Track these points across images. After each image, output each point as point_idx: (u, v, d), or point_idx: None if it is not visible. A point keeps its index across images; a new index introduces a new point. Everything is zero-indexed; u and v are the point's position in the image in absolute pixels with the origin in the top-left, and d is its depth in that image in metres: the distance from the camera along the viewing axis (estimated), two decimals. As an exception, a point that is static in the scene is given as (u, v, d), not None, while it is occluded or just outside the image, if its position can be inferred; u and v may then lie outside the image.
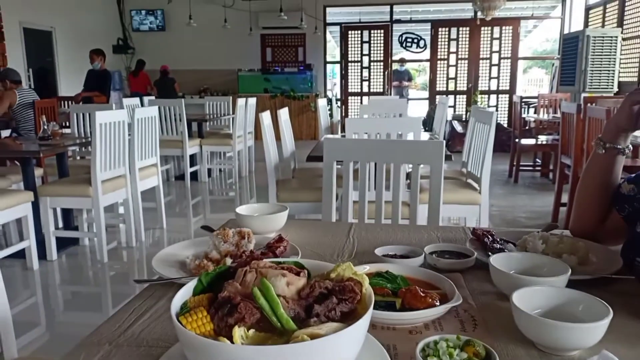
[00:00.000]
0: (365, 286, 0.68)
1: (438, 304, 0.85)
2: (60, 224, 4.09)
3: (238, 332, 0.58)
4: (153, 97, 7.19)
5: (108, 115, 3.42)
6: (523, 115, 7.28)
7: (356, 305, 0.66)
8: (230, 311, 0.61)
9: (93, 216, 3.59)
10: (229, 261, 1.06)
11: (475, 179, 3.16)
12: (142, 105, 6.01)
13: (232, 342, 0.57)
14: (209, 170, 6.70)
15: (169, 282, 0.98)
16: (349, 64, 10.68)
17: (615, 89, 6.87)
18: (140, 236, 3.97)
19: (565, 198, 4.34)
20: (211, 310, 0.63)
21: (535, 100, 8.48)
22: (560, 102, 6.47)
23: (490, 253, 1.04)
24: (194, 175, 6.32)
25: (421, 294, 0.86)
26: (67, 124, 5.37)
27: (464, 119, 9.37)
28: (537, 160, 6.75)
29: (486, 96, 10.29)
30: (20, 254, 3.37)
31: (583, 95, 6.79)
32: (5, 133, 5.22)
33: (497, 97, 10.30)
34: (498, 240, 1.16)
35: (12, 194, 3.22)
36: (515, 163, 6.21)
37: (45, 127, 3.83)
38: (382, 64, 10.58)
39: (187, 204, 5.52)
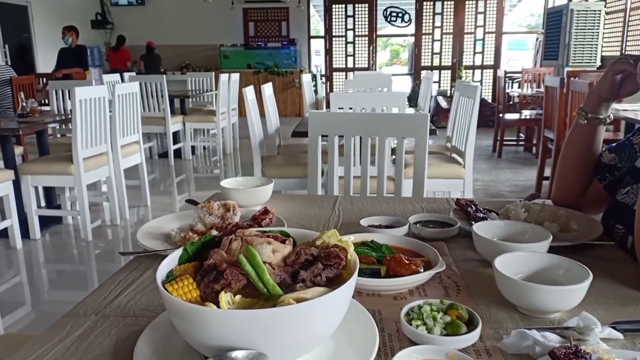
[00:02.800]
0: (350, 252, 0.69)
1: (422, 270, 0.86)
2: (43, 203, 4.03)
3: (225, 297, 0.58)
4: (134, 73, 7.05)
5: (88, 92, 3.35)
6: (507, 90, 7.31)
7: (341, 270, 0.67)
8: (217, 278, 0.61)
9: (76, 194, 3.55)
10: (214, 233, 1.06)
11: (459, 153, 3.18)
12: (123, 81, 5.88)
13: (218, 307, 0.57)
14: (193, 148, 6.63)
15: (154, 254, 0.98)
16: (334, 38, 10.55)
17: (599, 63, 6.91)
18: (125, 214, 3.94)
19: (548, 172, 4.40)
20: (197, 278, 0.63)
21: (519, 75, 8.50)
22: (543, 76, 6.50)
23: (473, 222, 1.06)
24: (178, 153, 6.26)
25: (405, 261, 0.87)
26: (47, 102, 5.26)
27: (448, 95, 9.38)
28: (521, 135, 6.81)
29: (471, 71, 10.28)
30: (3, 234, 3.33)
31: (566, 69, 6.83)
32: (-17, 111, 5.09)
33: (482, 72, 10.30)
34: (481, 209, 1.17)
35: (-8, 173, 3.16)
36: (499, 138, 6.25)
37: (24, 104, 3.75)
38: (366, 38, 10.48)
39: (172, 182, 5.48)
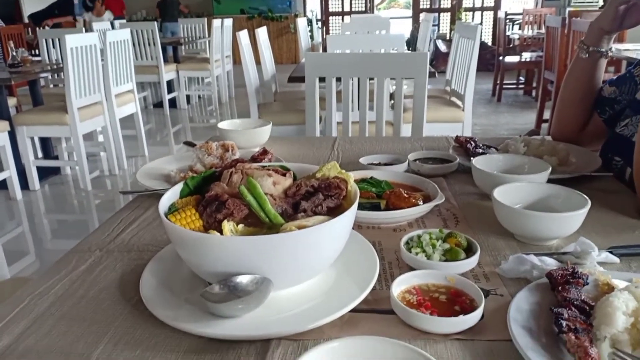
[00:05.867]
0: (351, 183, 0.69)
1: (421, 203, 0.87)
2: (40, 154, 4.02)
3: (227, 225, 0.59)
4: (124, 21, 6.84)
5: (79, 39, 3.27)
6: (507, 33, 7.14)
7: (342, 201, 0.67)
8: (219, 208, 0.62)
9: (72, 145, 3.53)
10: (214, 172, 1.06)
11: (458, 97, 3.14)
12: (113, 28, 5.72)
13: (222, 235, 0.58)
14: (188, 97, 6.53)
15: (155, 193, 0.98)
16: (329, -20, 10.21)
17: (600, 2, 6.74)
18: (123, 164, 3.94)
19: (547, 114, 4.37)
20: (199, 208, 0.64)
21: (520, 16, 8.28)
22: (545, 17, 6.34)
23: (472, 157, 1.06)
24: (173, 103, 6.17)
25: (405, 195, 0.88)
26: (37, 52, 5.13)
27: (448, 38, 9.18)
28: (521, 78, 6.72)
29: (470, 13, 10.02)
30: (2, 185, 3.33)
31: (568, 9, 6.66)
32: (-28, 62, 4.98)
33: (482, 15, 10.04)
34: (480, 145, 1.17)
35: (-14, 124, 3.13)
36: (498, 81, 6.17)
37: (14, 53, 3.66)
38: (363, -20, 10.14)
39: (168, 132, 5.44)
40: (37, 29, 6.33)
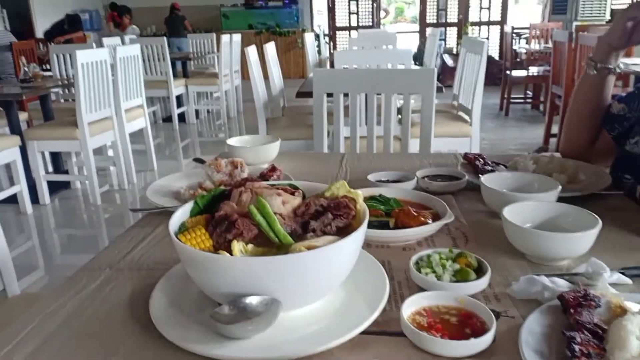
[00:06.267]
0: (359, 202, 0.69)
1: (430, 222, 0.87)
2: (50, 169, 4.06)
3: (237, 245, 0.59)
4: (134, 36, 6.94)
5: (89, 55, 3.32)
6: (514, 47, 7.16)
7: (351, 220, 0.68)
8: (228, 228, 0.62)
9: (82, 159, 3.56)
10: (223, 190, 1.06)
11: (466, 111, 3.14)
12: (123, 44, 5.80)
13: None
14: (197, 112, 6.58)
15: (164, 211, 0.99)
16: (336, -4, 10.31)
17: (608, 17, 6.75)
18: (132, 178, 3.96)
19: (555, 129, 4.36)
20: (209, 228, 0.64)
21: (527, 30, 8.30)
22: (552, 32, 6.35)
23: (481, 175, 1.05)
24: (182, 117, 6.22)
25: (414, 213, 0.88)
26: (48, 67, 5.21)
27: (454, 52, 9.21)
28: (528, 92, 6.72)
29: (477, 27, 10.06)
30: (13, 199, 3.36)
31: (575, 24, 6.67)
32: (-16, 78, 5.05)
33: (488, 29, 10.07)
34: (489, 162, 1.17)
35: (-2, 138, 3.17)
36: (506, 96, 6.17)
37: (26, 69, 3.72)
38: (370, -5, 10.23)
39: (177, 146, 5.48)
40: (49, 44, 6.44)
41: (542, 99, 6.25)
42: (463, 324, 0.59)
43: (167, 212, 0.98)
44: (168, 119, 6.21)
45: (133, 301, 0.70)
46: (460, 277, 0.69)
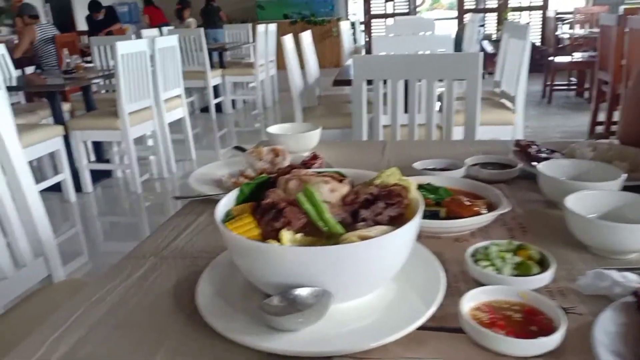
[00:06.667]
0: (412, 191, 0.65)
1: (485, 211, 0.82)
2: (93, 158, 4.16)
3: (286, 235, 0.56)
4: (172, 27, 7.01)
5: (129, 46, 3.36)
6: (557, 32, 6.89)
7: (404, 209, 0.64)
8: (276, 216, 0.59)
9: (123, 149, 3.63)
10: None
11: (509, 98, 3.03)
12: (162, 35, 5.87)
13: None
14: (233, 102, 6.62)
15: (207, 198, 0.98)
16: (371, -16, 10.15)
17: (659, -2, 6.39)
18: (172, 167, 4.01)
19: (602, 117, 4.17)
20: (256, 216, 0.62)
21: (570, 15, 7.98)
22: (597, 16, 6.08)
23: (536, 163, 1.00)
24: (219, 107, 6.27)
25: (466, 202, 0.83)
26: (89, 59, 5.32)
27: (493, 38, 8.94)
28: (572, 79, 6.46)
29: (517, 13, 9.73)
30: (57, 188, 3.45)
31: (622, 7, 6.36)
32: (30, 69, 5.21)
33: (529, 14, 9.73)
34: (544, 149, 1.10)
35: (44, 128, 3.26)
36: (548, 82, 5.95)
37: (69, 60, 3.80)
38: (406, -18, 10.02)
39: (214, 136, 5.52)
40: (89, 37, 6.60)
41: (586, 85, 6.00)
42: (528, 321, 0.55)
43: (209, 200, 0.97)
44: (205, 109, 6.27)
45: (178, 290, 0.68)
46: (521, 270, 0.64)
